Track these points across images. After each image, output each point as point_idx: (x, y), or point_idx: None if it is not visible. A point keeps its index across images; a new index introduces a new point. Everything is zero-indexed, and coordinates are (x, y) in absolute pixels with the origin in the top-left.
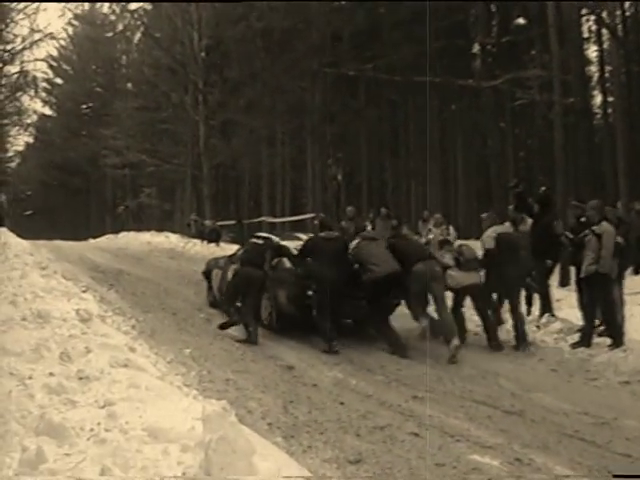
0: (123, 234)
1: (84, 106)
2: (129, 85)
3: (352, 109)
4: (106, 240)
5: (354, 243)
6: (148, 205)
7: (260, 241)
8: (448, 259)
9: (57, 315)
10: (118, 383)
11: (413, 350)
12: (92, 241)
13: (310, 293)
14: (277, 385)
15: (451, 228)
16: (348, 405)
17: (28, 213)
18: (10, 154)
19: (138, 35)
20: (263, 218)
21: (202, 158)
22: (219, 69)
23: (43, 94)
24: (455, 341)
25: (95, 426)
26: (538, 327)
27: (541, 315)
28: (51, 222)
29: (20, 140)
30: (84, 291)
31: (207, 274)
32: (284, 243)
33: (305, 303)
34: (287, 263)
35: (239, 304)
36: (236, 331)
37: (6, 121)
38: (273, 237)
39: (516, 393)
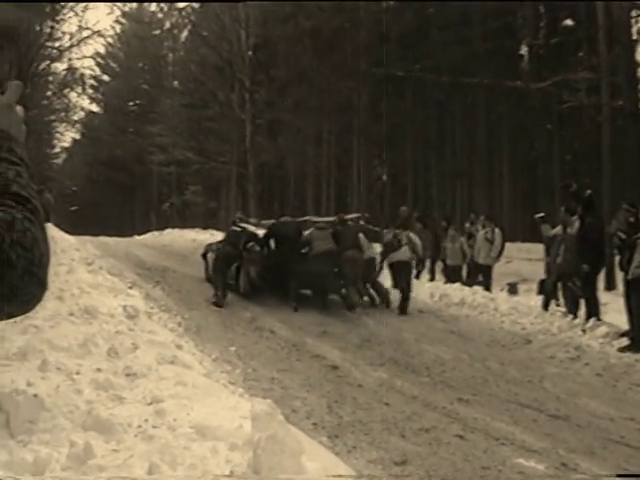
0: (168, 231)
1: (131, 103)
2: (175, 83)
3: (399, 109)
4: (151, 237)
5: (309, 231)
6: (193, 202)
7: (238, 229)
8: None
9: (104, 311)
10: (165, 380)
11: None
12: (137, 237)
13: (269, 269)
14: (322, 385)
15: (496, 230)
16: (393, 406)
17: (74, 209)
18: (57, 150)
19: (185, 33)
20: (308, 217)
21: (248, 156)
22: (266, 68)
23: (90, 91)
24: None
25: (143, 423)
26: (584, 331)
27: (587, 319)
28: (96, 218)
29: (67, 136)
30: (130, 287)
31: (204, 256)
32: (256, 231)
33: (267, 276)
34: (256, 247)
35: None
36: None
37: (53, 117)
38: (249, 226)
39: (561, 397)
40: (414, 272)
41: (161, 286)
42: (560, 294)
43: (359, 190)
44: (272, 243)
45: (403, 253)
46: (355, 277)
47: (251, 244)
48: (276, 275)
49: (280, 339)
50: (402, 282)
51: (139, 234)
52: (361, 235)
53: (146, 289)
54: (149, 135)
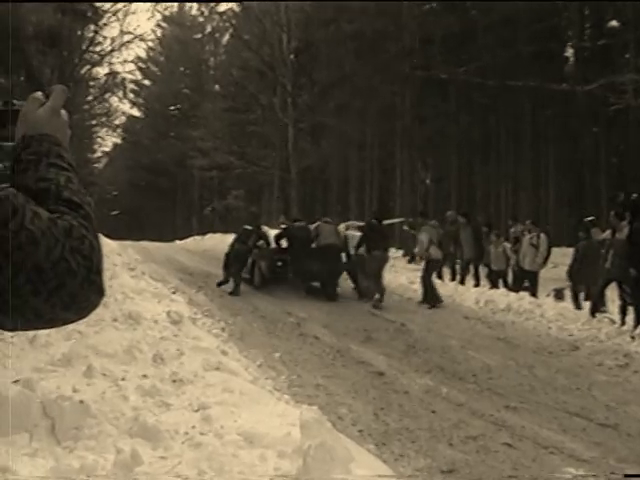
0: (210, 236)
1: (172, 107)
2: (217, 87)
3: (443, 113)
4: (193, 242)
5: (315, 224)
6: (235, 207)
7: (249, 227)
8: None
9: (148, 317)
10: (212, 387)
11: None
12: (178, 242)
13: (279, 264)
14: (368, 391)
15: (542, 235)
16: (440, 413)
17: (114, 213)
18: (98, 155)
19: (226, 37)
20: (350, 222)
21: (290, 161)
22: (308, 71)
23: (131, 95)
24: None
25: (190, 429)
26: (632, 338)
27: (635, 325)
28: (137, 223)
29: (108, 141)
30: (173, 293)
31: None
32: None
33: (276, 270)
34: (265, 245)
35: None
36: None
37: (94, 122)
38: (262, 226)
39: (610, 405)
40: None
41: (204, 291)
42: (607, 300)
43: (402, 194)
44: (284, 243)
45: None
46: (376, 272)
47: (261, 242)
48: (285, 269)
49: (324, 345)
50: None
51: (180, 239)
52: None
53: (189, 294)
54: (190, 139)
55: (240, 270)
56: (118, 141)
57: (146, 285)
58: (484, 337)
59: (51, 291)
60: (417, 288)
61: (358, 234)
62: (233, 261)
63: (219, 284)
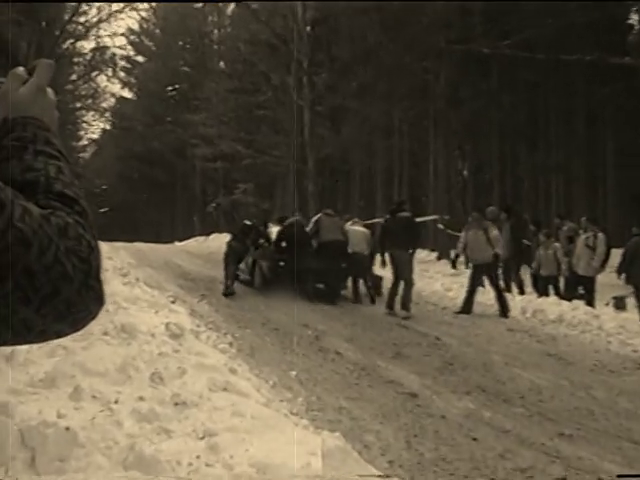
0: (214, 236)
1: (169, 88)
2: (222, 64)
3: (483, 93)
4: (195, 243)
5: (316, 217)
6: (243, 203)
7: (249, 223)
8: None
9: (144, 329)
10: (219, 410)
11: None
12: (178, 244)
13: (282, 264)
14: (398, 415)
15: (600, 235)
16: (482, 442)
17: (104, 210)
18: (84, 142)
19: (232, 6)
20: (377, 220)
21: (307, 150)
22: (327, 46)
23: (122, 74)
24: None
25: (194, 460)
26: None
27: None
28: (130, 221)
29: (95, 127)
30: (173, 302)
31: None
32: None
33: (278, 271)
34: (267, 244)
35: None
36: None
37: (79, 105)
38: (269, 224)
39: None
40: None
41: (208, 300)
42: None
43: (436, 187)
44: (283, 244)
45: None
46: (406, 275)
47: (262, 241)
48: (288, 269)
49: (348, 362)
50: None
51: (180, 240)
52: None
53: (191, 304)
54: (191, 125)
55: (235, 269)
56: (107, 127)
57: (141, 293)
58: (532, 353)
59: (44, 299)
60: (454, 296)
61: (361, 229)
62: (230, 261)
63: (226, 294)
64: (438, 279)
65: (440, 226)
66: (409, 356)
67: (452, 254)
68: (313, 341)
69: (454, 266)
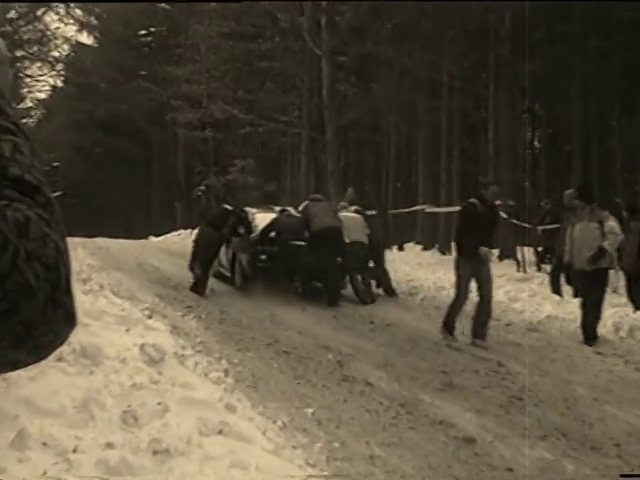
0: None
1: (142, 32)
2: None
3: (563, 37)
4: (176, 238)
5: (304, 204)
6: (241, 185)
7: (229, 207)
8: None
9: (112, 353)
10: (213, 460)
11: None
12: (155, 239)
13: (263, 257)
14: (449, 467)
15: None
16: None
17: (56, 195)
18: (27, 105)
19: None
20: (419, 207)
21: (325, 114)
22: None
23: (78, 12)
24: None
25: None
26: None
27: None
28: (91, 209)
29: (43, 83)
30: (149, 316)
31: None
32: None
33: (259, 266)
34: (246, 233)
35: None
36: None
37: (22, 53)
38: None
39: None
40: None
41: (196, 313)
42: None
43: (498, 163)
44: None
45: None
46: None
47: (241, 229)
48: (272, 264)
49: (381, 395)
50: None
51: (157, 234)
52: None
53: (173, 319)
54: (172, 81)
55: (207, 262)
56: (58, 84)
57: (107, 305)
58: (629, 384)
59: None
60: (521, 308)
61: (356, 215)
62: (201, 252)
63: (195, 291)
64: (501, 285)
65: (503, 215)
66: (464, 388)
67: (518, 254)
68: (335, 368)
69: (523, 269)
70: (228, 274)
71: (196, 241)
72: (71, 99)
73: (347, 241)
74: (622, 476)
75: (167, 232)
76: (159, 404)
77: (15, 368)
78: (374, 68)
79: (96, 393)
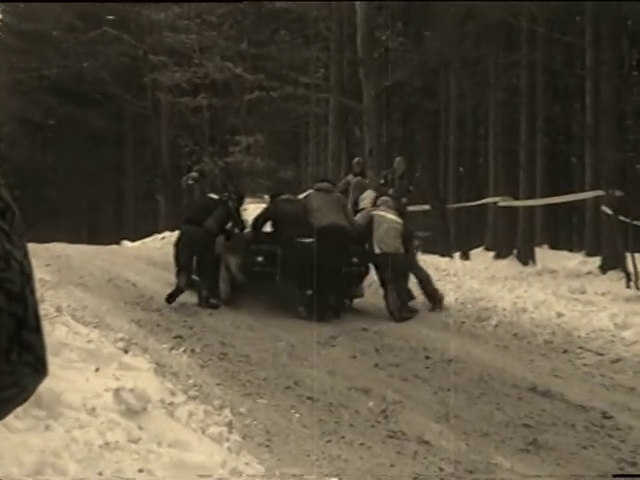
0: None
1: None
2: None
3: None
4: (160, 242)
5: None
6: (247, 170)
7: (215, 197)
8: None
9: (75, 402)
10: None
11: None
12: (130, 245)
13: (260, 260)
14: None
15: None
16: None
17: None
18: None
19: None
20: (490, 199)
21: (360, 73)
22: None
23: None
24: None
25: None
26: None
27: None
28: (44, 204)
29: None
30: (125, 350)
31: None
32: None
33: (255, 271)
34: (237, 229)
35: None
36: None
37: None
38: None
39: None
40: None
41: (188, 346)
42: None
43: (597, 137)
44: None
45: None
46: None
47: (230, 224)
48: (272, 269)
49: (442, 457)
50: None
51: (134, 239)
52: None
53: (157, 353)
54: (151, 29)
55: (186, 266)
56: None
57: (68, 336)
58: None
59: None
60: (633, 338)
61: (393, 218)
62: (180, 254)
63: (169, 299)
64: (605, 306)
65: (606, 209)
66: (554, 447)
67: (628, 263)
68: (378, 420)
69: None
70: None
71: (176, 244)
72: (11, 53)
73: (377, 251)
74: (615, 476)
75: (146, 235)
76: (140, 471)
77: None
78: (427, 9)
79: (54, 456)
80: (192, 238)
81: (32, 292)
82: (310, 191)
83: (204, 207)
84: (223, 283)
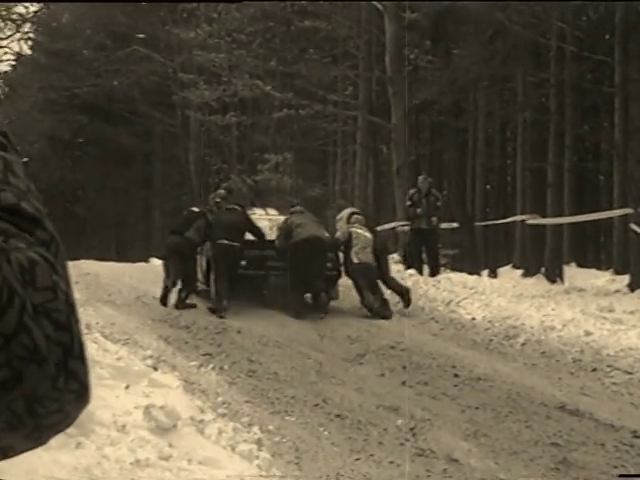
0: None
1: None
2: None
3: None
4: None
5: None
6: (275, 188)
7: (196, 210)
8: None
9: (106, 419)
10: None
11: None
12: (158, 262)
13: (244, 264)
14: None
15: None
16: None
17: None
18: None
19: None
20: (518, 217)
21: (389, 91)
22: None
23: None
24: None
25: None
26: None
27: None
28: (73, 221)
29: (5, 50)
30: (154, 368)
31: None
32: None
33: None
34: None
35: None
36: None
37: None
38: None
39: None
40: None
41: (216, 363)
42: None
43: (626, 155)
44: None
45: None
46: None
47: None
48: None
49: (471, 475)
50: None
51: (161, 256)
52: None
53: (186, 370)
54: (180, 48)
55: (174, 277)
56: (25, 50)
57: (97, 353)
58: None
59: None
60: None
61: (367, 235)
62: (165, 264)
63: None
64: (633, 325)
65: (634, 227)
66: (584, 467)
67: None
68: (407, 438)
69: None
70: (205, 287)
71: (164, 256)
72: (43, 72)
73: (355, 260)
74: (621, 476)
75: None
76: None
77: (5, 457)
78: (456, 28)
79: (86, 473)
80: (176, 247)
81: (77, 321)
82: (288, 217)
83: (186, 219)
84: (213, 286)
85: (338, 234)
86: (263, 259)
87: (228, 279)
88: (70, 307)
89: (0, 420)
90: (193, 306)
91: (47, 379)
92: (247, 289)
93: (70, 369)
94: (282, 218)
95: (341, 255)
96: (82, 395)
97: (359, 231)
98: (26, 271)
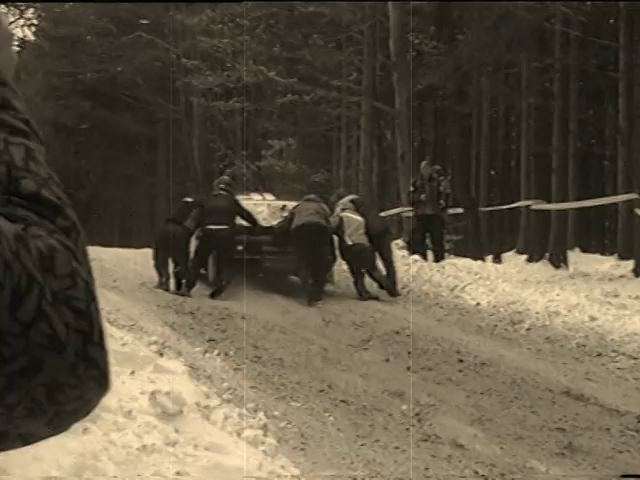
0: None
1: None
2: None
3: None
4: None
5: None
6: (279, 174)
7: (189, 200)
8: None
9: (112, 405)
10: None
11: None
12: None
13: (240, 248)
14: None
15: None
16: None
17: None
18: None
19: None
20: (523, 203)
21: (393, 77)
22: None
23: None
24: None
25: None
26: None
27: None
28: (77, 207)
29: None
30: (160, 354)
31: None
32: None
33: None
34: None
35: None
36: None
37: None
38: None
39: None
40: None
41: (221, 349)
42: None
43: (631, 141)
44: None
45: None
46: None
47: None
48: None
49: (476, 461)
50: None
51: None
52: None
53: (191, 356)
54: (184, 34)
55: (164, 259)
56: (29, 36)
57: None
58: None
59: (12, 379)
60: None
61: (357, 218)
62: (160, 252)
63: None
64: (637, 310)
65: (639, 212)
66: (589, 452)
67: None
68: (412, 423)
69: None
70: (203, 271)
71: (155, 240)
72: (46, 58)
73: (349, 243)
74: (623, 476)
75: None
76: (178, 474)
77: (27, 443)
78: (460, 13)
79: (93, 459)
80: (177, 235)
81: (97, 309)
82: (300, 202)
83: (182, 211)
84: (211, 270)
85: (330, 219)
86: (259, 244)
87: (221, 263)
88: (90, 294)
89: (21, 407)
90: (190, 288)
91: (67, 367)
92: (245, 273)
93: (90, 356)
94: (280, 203)
95: (336, 240)
96: (102, 382)
97: (349, 215)
98: (45, 258)
